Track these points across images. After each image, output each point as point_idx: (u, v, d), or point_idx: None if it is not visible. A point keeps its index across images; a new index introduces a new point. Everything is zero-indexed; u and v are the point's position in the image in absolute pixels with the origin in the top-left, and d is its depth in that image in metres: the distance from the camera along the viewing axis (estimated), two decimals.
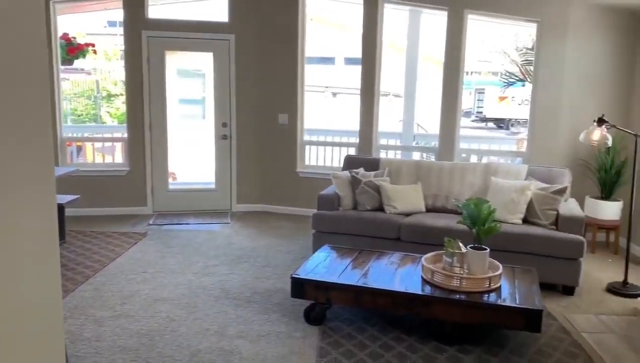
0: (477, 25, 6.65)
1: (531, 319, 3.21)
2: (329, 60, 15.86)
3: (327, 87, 14.55)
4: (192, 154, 8.07)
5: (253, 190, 6.96)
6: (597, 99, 5.71)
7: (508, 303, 3.30)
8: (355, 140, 7.04)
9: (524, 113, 14.75)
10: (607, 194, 5.49)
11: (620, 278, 4.55)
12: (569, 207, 4.61)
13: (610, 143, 4.58)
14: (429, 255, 3.79)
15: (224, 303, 4.05)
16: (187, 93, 7.58)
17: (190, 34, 6.49)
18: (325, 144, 7.49)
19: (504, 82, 9.50)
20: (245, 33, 6.58)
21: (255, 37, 6.62)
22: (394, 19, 7.43)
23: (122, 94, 11.12)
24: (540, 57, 5.85)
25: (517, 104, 17.88)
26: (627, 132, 4.67)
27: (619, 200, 5.41)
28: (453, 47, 6.08)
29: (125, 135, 6.67)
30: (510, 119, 18.75)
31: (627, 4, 5.34)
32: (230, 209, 6.93)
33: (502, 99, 18.21)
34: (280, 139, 6.82)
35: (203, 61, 6.86)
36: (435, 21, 6.90)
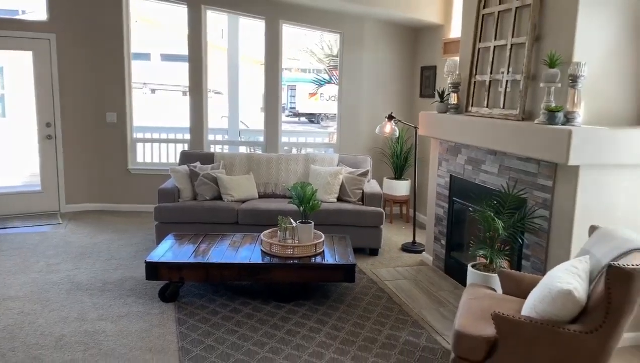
0: (287, 27, 7.49)
1: (347, 272, 4.13)
2: (144, 56, 15.68)
3: (145, 83, 14.41)
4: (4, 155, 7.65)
5: (83, 190, 6.95)
6: (388, 98, 7.02)
7: (330, 262, 4.17)
8: (182, 136, 7.47)
9: (332, 108, 16.38)
10: (399, 175, 6.81)
11: (411, 240, 5.82)
12: (371, 186, 5.73)
13: (397, 134, 5.81)
14: (266, 231, 4.52)
15: (77, 294, 4.27)
16: None
17: (5, 32, 6.24)
18: (156, 140, 7.73)
19: (316, 82, 10.70)
20: (66, 32, 6.55)
21: (78, 36, 6.62)
22: (211, 19, 7.93)
23: None
24: (344, 63, 6.95)
25: (325, 100, 19.57)
26: (409, 125, 5.95)
27: (407, 179, 6.76)
28: (272, 51, 6.87)
29: None
30: (320, 114, 20.41)
31: (408, 21, 6.68)
32: (59, 210, 6.83)
33: (312, 95, 19.69)
34: (110, 138, 6.92)
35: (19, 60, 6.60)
36: (252, 24, 7.60)
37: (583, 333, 2.57)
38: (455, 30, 6.06)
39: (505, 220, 3.69)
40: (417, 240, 5.77)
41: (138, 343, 3.52)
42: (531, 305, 2.79)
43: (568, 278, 2.68)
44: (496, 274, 3.60)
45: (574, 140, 3.26)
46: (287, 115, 21.00)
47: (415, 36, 7.01)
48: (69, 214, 6.75)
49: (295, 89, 20.81)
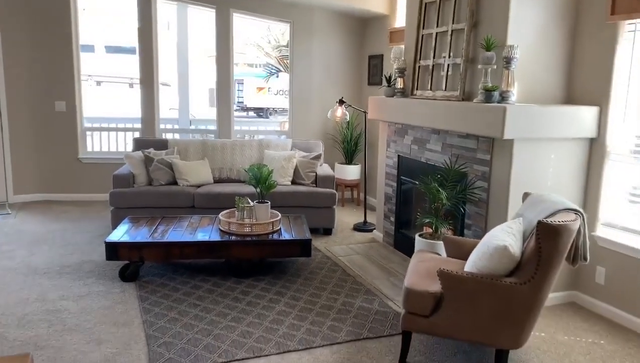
0: (237, 17, 7.60)
1: (304, 247, 4.34)
2: (88, 48, 15.28)
3: (89, 76, 14.07)
4: None
5: (32, 180, 6.84)
6: (338, 86, 7.27)
7: (287, 238, 4.37)
8: (132, 125, 7.45)
9: (280, 103, 16.50)
10: (349, 160, 7.08)
11: (362, 220, 6.09)
12: (324, 169, 5.96)
13: (348, 118, 6.06)
14: (224, 212, 4.66)
15: (35, 278, 4.28)
16: None
17: None
18: (105, 129, 7.67)
19: (267, 72, 10.84)
20: (13, 21, 6.42)
21: (24, 23, 6.50)
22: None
23: None
24: (294, 52, 7.14)
25: (273, 94, 19.62)
26: (359, 110, 6.21)
27: (357, 164, 7.04)
28: (223, 42, 6.97)
29: None
30: (268, 108, 20.45)
31: (355, 12, 6.94)
32: (7, 201, 6.70)
33: (260, 89, 19.68)
34: (60, 127, 6.84)
35: None
36: (200, 15, 7.64)
37: (518, 285, 2.88)
38: (400, 20, 6.37)
39: (448, 192, 3.99)
40: (368, 220, 6.05)
41: (102, 318, 3.60)
42: (472, 262, 3.08)
43: (504, 237, 2.99)
44: (441, 241, 3.90)
45: (508, 117, 3.58)
46: (235, 110, 20.83)
47: (362, 26, 7.29)
48: (17, 204, 6.64)
49: (242, 84, 20.74)
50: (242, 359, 3.12)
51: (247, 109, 20.87)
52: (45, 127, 6.79)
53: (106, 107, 12.37)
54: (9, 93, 6.53)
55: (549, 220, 2.83)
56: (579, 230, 3.13)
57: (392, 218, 5.30)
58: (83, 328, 3.45)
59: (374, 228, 5.79)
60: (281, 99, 16.60)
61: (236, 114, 20.77)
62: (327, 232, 5.67)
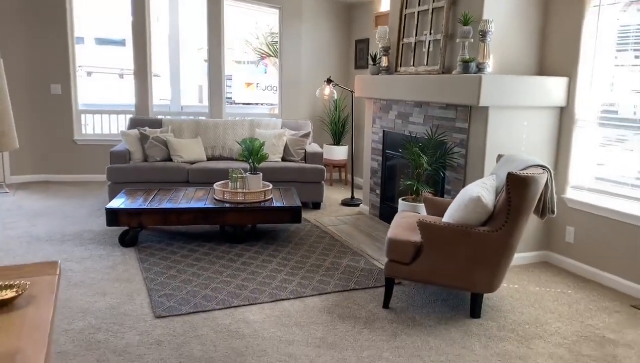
0: (227, 4, 7.81)
1: (295, 213, 4.59)
2: (78, 40, 15.36)
3: (80, 67, 14.19)
4: None
5: (28, 161, 7.02)
6: (326, 69, 7.52)
7: (279, 205, 4.62)
8: (125, 112, 7.66)
9: (268, 98, 16.72)
10: (337, 141, 7.34)
11: (349, 196, 6.36)
12: (312, 147, 6.21)
13: (335, 96, 6.33)
14: (218, 183, 4.90)
15: (38, 244, 4.49)
16: None
17: None
18: (98, 112, 7.87)
19: (259, 56, 11.12)
20: (7, 7, 6.59)
21: (20, 12, 6.67)
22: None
23: None
24: (283, 37, 7.38)
25: (262, 89, 19.77)
26: (346, 89, 6.48)
27: (345, 145, 7.30)
28: (214, 29, 7.19)
29: None
30: (257, 104, 20.60)
31: None
32: (4, 181, 6.87)
33: (248, 84, 19.83)
34: (55, 109, 7.02)
35: None
36: (189, 7, 7.84)
37: (490, 232, 3.16)
38: (384, 5, 6.63)
39: (429, 158, 4.27)
40: (355, 196, 6.32)
41: (105, 276, 3.83)
42: (449, 214, 3.36)
43: (477, 189, 3.27)
44: (422, 204, 4.17)
45: (483, 85, 3.86)
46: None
47: (349, 11, 7.54)
48: (14, 185, 6.82)
49: (231, 79, 20.91)
50: (238, 306, 3.37)
51: (235, 104, 21.03)
52: (41, 110, 6.97)
53: (98, 97, 12.49)
54: (5, 76, 6.69)
55: (518, 172, 3.11)
56: (546, 185, 3.42)
57: (378, 191, 5.57)
58: (87, 284, 3.68)
59: (361, 203, 6.05)
60: (269, 94, 16.82)
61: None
62: (316, 206, 5.93)
